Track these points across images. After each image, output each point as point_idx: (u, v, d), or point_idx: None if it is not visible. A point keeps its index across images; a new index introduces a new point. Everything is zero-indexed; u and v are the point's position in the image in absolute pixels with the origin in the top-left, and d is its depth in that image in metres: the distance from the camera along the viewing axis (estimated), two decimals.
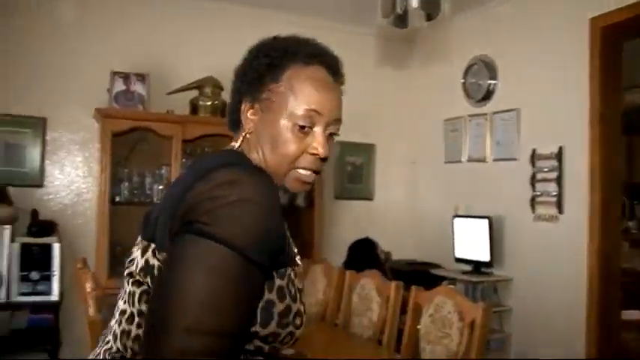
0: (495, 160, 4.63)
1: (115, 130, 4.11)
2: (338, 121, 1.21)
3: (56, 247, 3.89)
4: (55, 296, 3.83)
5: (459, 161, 5.00)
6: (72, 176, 4.43)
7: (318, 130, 1.17)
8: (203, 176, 1.02)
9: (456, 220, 4.73)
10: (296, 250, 1.19)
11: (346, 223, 5.28)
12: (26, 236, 3.92)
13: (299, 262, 1.18)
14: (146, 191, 4.34)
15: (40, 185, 4.33)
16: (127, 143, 4.34)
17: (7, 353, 3.66)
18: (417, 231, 5.46)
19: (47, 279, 3.82)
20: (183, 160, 4.28)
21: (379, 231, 5.16)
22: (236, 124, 1.24)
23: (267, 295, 1.03)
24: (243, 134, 1.21)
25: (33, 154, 4.31)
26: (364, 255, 4.54)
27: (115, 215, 4.12)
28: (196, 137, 4.33)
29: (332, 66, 1.22)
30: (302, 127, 1.15)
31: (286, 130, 1.15)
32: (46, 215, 4.18)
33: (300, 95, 1.15)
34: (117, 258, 4.02)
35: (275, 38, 1.24)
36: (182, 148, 4.27)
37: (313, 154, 1.16)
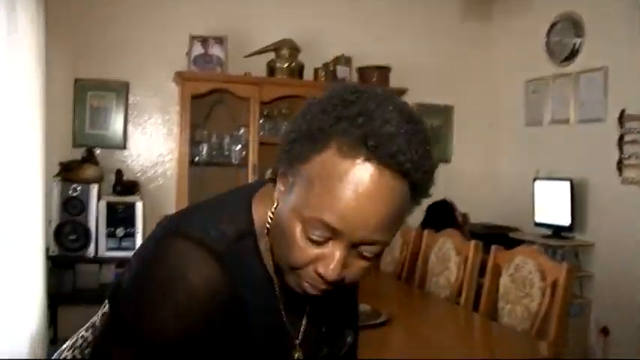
0: (580, 121, 4.44)
1: (194, 93, 4.20)
2: (372, 242, 0.86)
3: (139, 206, 4.05)
4: None
5: (541, 124, 4.83)
6: (153, 138, 4.56)
7: (335, 247, 0.84)
8: (158, 238, 0.93)
9: (537, 182, 4.59)
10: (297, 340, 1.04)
11: None
12: (112, 195, 4.09)
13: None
14: (224, 152, 4.40)
15: (123, 147, 4.48)
16: (205, 106, 4.43)
17: (96, 304, 3.85)
18: (495, 194, 5.33)
19: (131, 235, 3.99)
20: (261, 121, 4.34)
21: (456, 193, 5.04)
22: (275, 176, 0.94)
23: None
24: (271, 204, 0.94)
25: (116, 117, 4.46)
26: (442, 217, 4.46)
27: (193, 176, 4.22)
28: (273, 99, 4.36)
29: (395, 167, 0.82)
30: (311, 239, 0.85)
31: (295, 230, 0.85)
32: (129, 176, 4.34)
33: (321, 196, 0.82)
34: None
35: (343, 95, 0.86)
36: (259, 109, 4.32)
37: (319, 273, 0.86)
